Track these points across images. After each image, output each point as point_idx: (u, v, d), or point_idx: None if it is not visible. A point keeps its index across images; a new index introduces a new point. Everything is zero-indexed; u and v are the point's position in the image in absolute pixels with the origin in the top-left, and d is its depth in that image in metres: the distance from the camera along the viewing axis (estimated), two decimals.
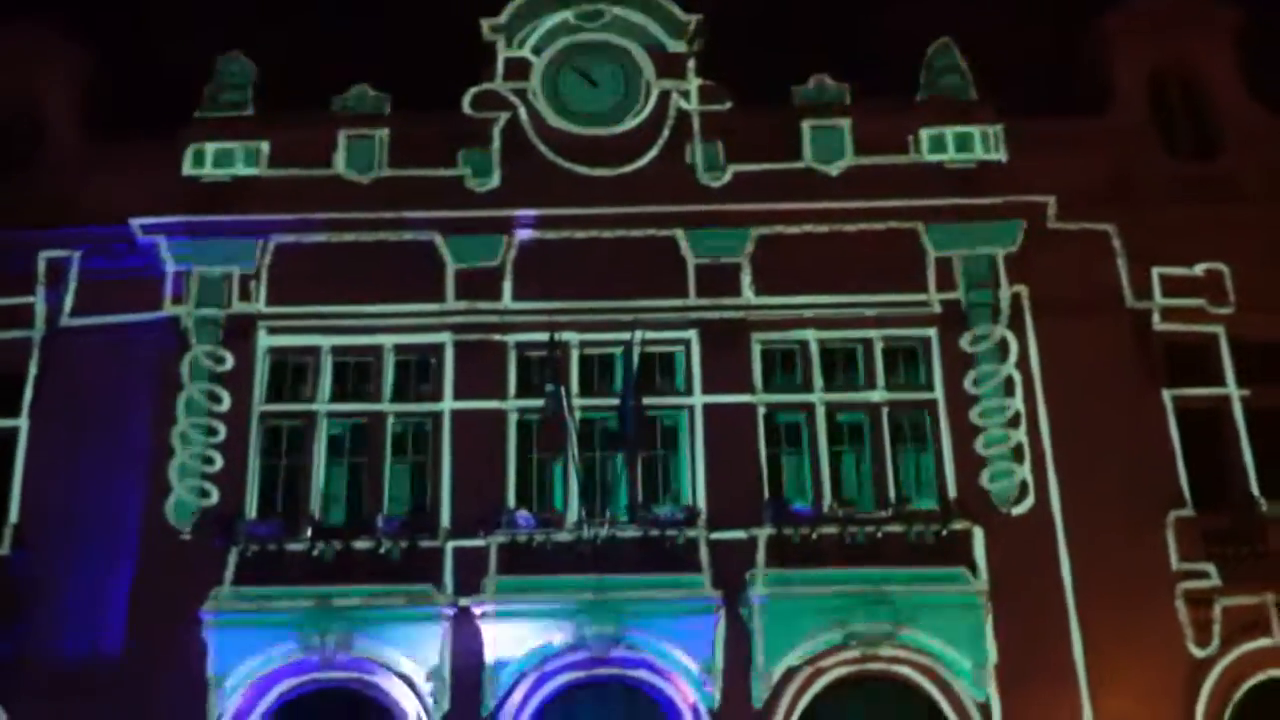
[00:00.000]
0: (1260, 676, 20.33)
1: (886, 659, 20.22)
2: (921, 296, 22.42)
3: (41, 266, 22.66)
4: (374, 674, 20.11)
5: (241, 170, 23.25)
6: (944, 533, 20.69)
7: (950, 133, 23.47)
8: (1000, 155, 23.28)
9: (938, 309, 22.35)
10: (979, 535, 20.76)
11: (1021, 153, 23.17)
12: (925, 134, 23.47)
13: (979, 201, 22.65)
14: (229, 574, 20.44)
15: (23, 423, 21.83)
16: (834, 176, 23.20)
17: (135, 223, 22.33)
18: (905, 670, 20.22)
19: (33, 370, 22.12)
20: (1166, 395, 21.96)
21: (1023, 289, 22.45)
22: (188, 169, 23.19)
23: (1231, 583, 20.51)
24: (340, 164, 23.31)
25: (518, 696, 20.00)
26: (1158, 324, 22.43)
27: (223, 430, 21.52)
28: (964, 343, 22.11)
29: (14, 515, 21.23)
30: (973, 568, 20.56)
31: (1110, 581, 20.43)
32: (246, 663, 19.91)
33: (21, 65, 24.10)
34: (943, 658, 20.09)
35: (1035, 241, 22.49)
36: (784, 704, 19.96)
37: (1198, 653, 20.33)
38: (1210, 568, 20.66)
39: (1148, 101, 24.08)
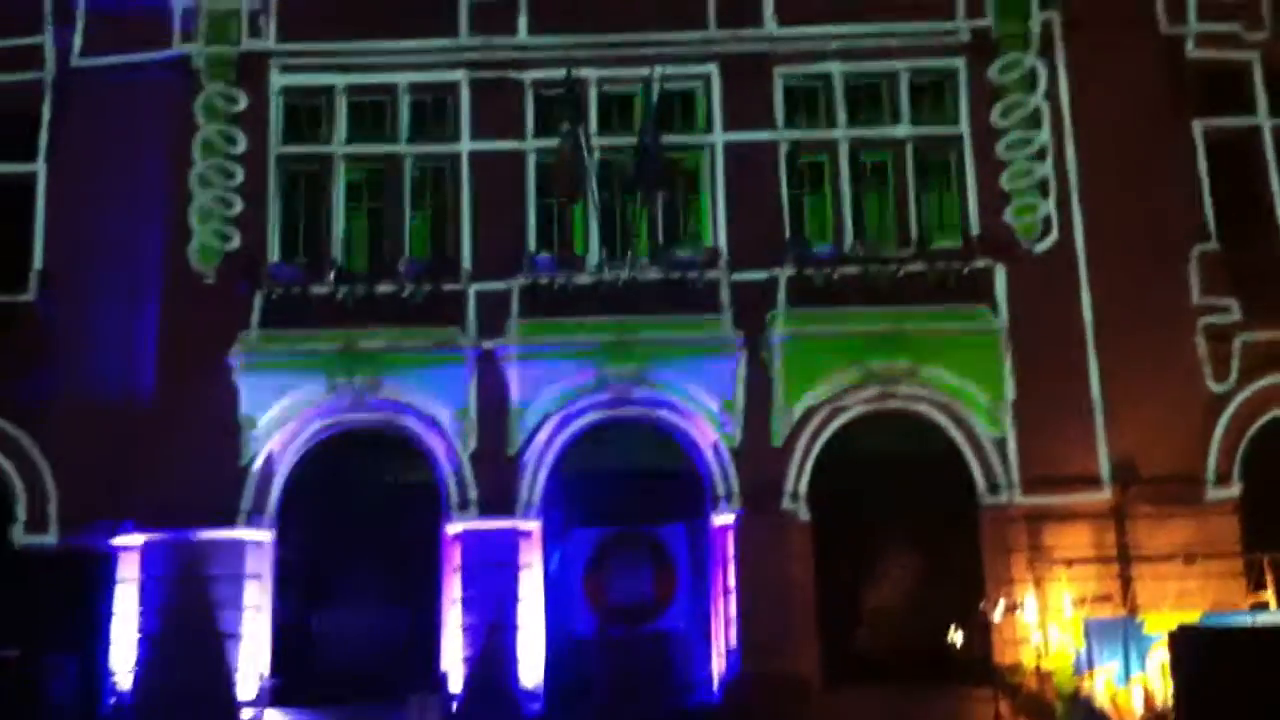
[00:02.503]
0: (1277, 411, 20.54)
1: (905, 397, 20.49)
2: (950, 25, 21.80)
3: (48, 3, 22.11)
4: (402, 415, 20.54)
5: None
6: (965, 271, 20.65)
7: None
8: None
9: (966, 37, 21.78)
10: (1000, 272, 20.73)
11: None
12: None
13: None
14: (255, 317, 20.62)
15: (40, 167, 21.69)
16: None
17: None
18: (923, 408, 20.53)
19: (46, 113, 21.85)
20: (1197, 125, 21.48)
21: (1054, 15, 21.80)
22: None
23: (1252, 318, 20.51)
24: None
25: (543, 436, 20.43)
26: (1191, 50, 21.79)
27: (240, 173, 21.38)
28: (992, 73, 21.58)
29: (38, 260, 21.31)
30: (993, 305, 20.60)
31: (1131, 317, 20.49)
32: (276, 404, 20.27)
33: None
34: (961, 395, 20.33)
35: None
36: (803, 442, 20.37)
37: (1215, 387, 20.51)
38: (1232, 302, 20.62)
39: None
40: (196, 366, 20.33)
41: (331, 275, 20.85)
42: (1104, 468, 20.28)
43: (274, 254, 21.24)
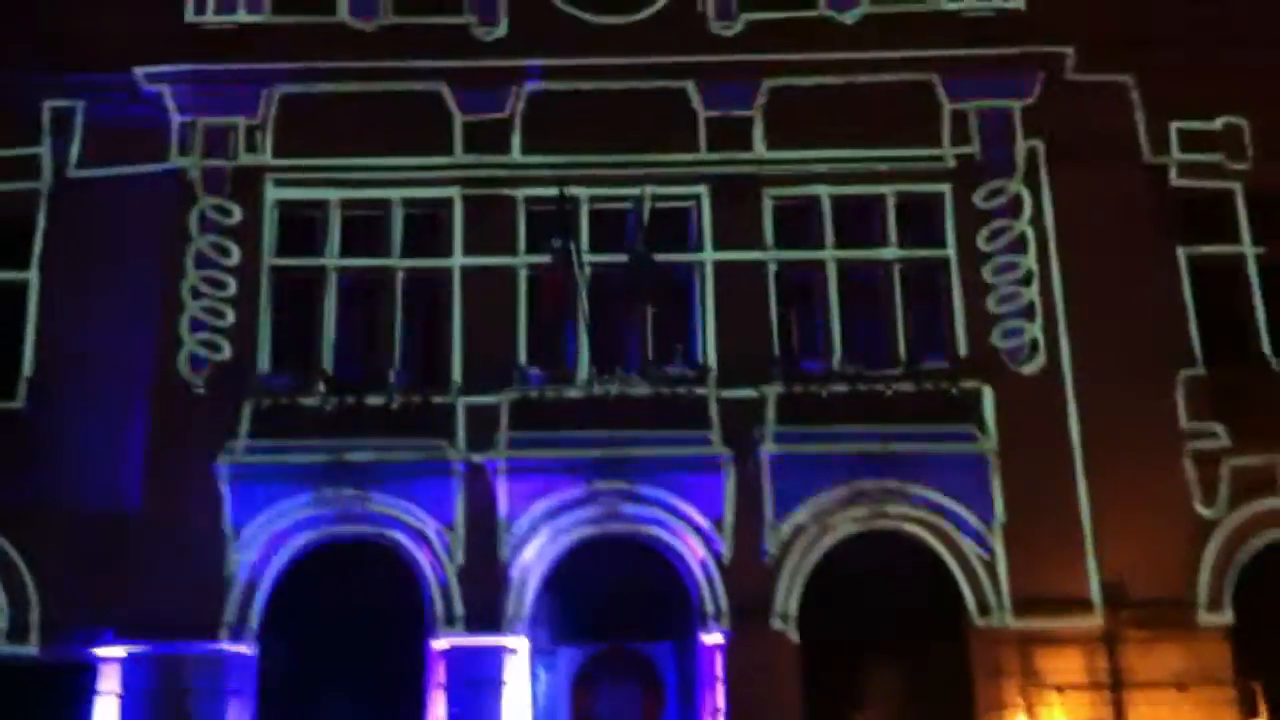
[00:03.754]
0: (1266, 537, 20.54)
1: (894, 516, 20.45)
2: (936, 151, 22.15)
3: (47, 116, 22.42)
4: (388, 528, 20.39)
5: (245, 16, 22.78)
6: (954, 391, 20.73)
7: None
8: (1019, 3, 22.75)
9: (952, 163, 22.11)
10: (989, 393, 20.80)
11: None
12: None
13: (997, 53, 22.21)
14: (243, 427, 20.55)
15: (33, 275, 21.77)
16: (849, 25, 22.71)
17: (139, 71, 22.00)
18: (913, 527, 20.48)
19: (41, 222, 22.00)
20: (1181, 252, 21.80)
21: (1038, 143, 22.18)
22: (190, 15, 22.74)
23: (1240, 442, 20.58)
24: (344, 11, 22.83)
25: (530, 551, 20.27)
26: (1174, 179, 22.19)
27: (233, 284, 21.46)
28: (978, 198, 21.92)
29: (28, 367, 21.31)
30: (982, 426, 20.64)
31: (1119, 440, 20.52)
32: (262, 515, 20.14)
33: None
34: (950, 515, 20.31)
35: (1052, 93, 22.14)
36: (792, 560, 20.24)
37: (1204, 512, 20.52)
38: (1219, 427, 20.72)
39: None
40: (183, 476, 20.21)
41: (321, 386, 20.85)
42: (1094, 591, 20.15)
43: (264, 364, 21.24)
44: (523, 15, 22.71)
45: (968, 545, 20.28)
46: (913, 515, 20.43)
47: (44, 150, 22.27)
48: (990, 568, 20.22)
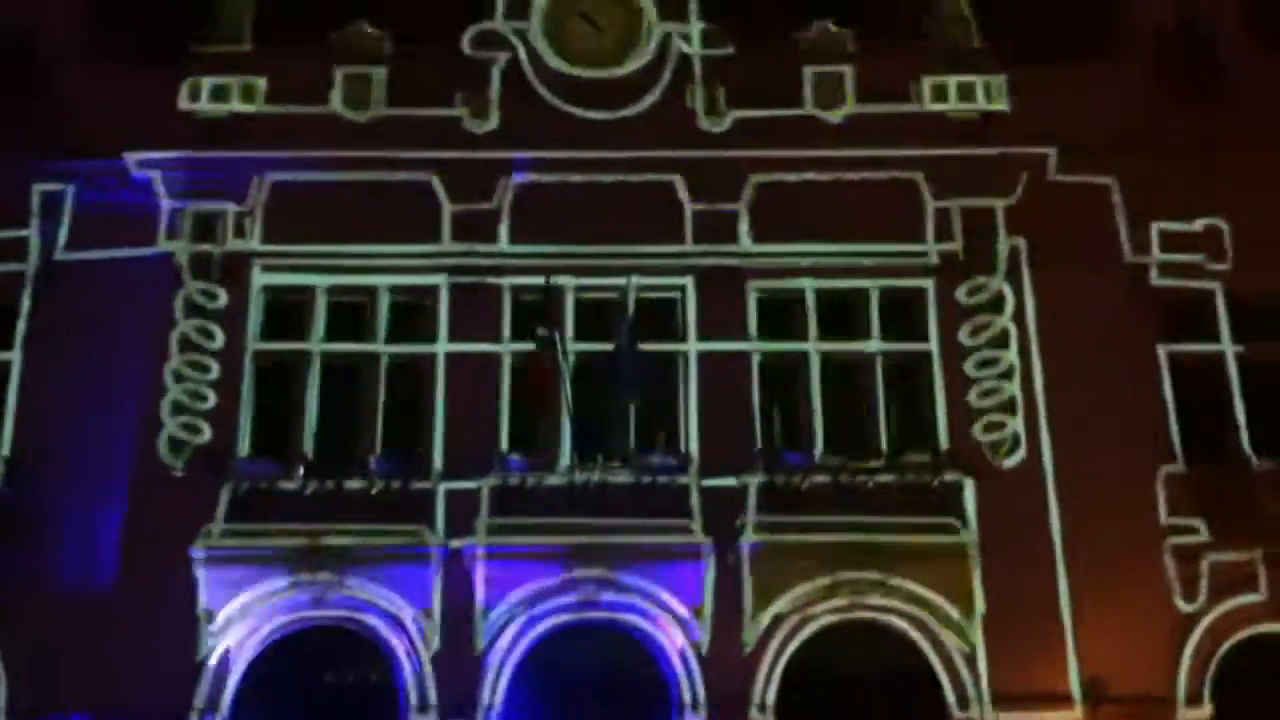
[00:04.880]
0: (1247, 632, 20.43)
1: (875, 608, 20.30)
2: (920, 247, 22.34)
3: (36, 200, 22.56)
4: (364, 613, 20.19)
5: (238, 106, 23.04)
6: (935, 484, 20.72)
7: (953, 81, 23.28)
8: (1003, 105, 23.09)
9: (935, 260, 22.29)
10: (970, 486, 20.78)
11: (1023, 102, 22.94)
12: (928, 82, 23.27)
13: (980, 152, 22.52)
14: (221, 511, 20.45)
15: (15, 356, 21.77)
16: (835, 124, 23.02)
17: (130, 157, 22.23)
18: (893, 619, 20.32)
19: (26, 304, 22.05)
20: (1161, 350, 21.94)
21: (1021, 241, 22.37)
22: (184, 103, 22.96)
23: (1220, 538, 20.57)
24: (337, 101, 23.11)
25: (507, 638, 20.08)
26: (1155, 279, 22.40)
27: (215, 368, 21.48)
28: (960, 294, 22.07)
29: (6, 448, 21.23)
30: (963, 519, 20.60)
31: (1099, 535, 20.44)
32: (237, 599, 19.95)
33: None
34: (931, 607, 20.17)
35: (1035, 193, 22.39)
36: (771, 650, 20.06)
37: (1185, 607, 20.42)
38: (1200, 523, 20.73)
39: (1152, 47, 23.82)
40: (159, 559, 20.02)
41: (300, 470, 20.77)
42: (1074, 686, 19.96)
43: (244, 448, 21.18)
44: (513, 108, 23.02)
45: (948, 638, 20.13)
46: (893, 607, 20.29)
47: (32, 232, 22.37)
48: (970, 661, 20.04)
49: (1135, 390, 21.56)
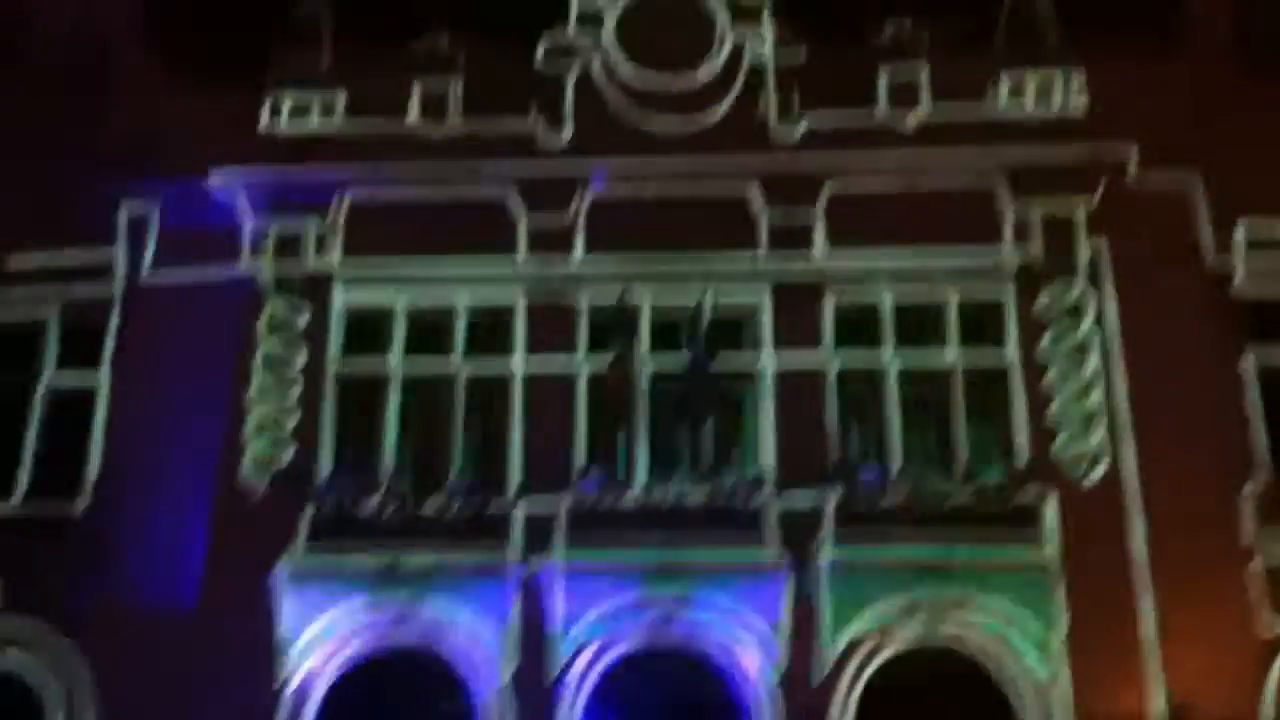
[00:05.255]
0: None
1: (953, 629, 20.10)
2: (998, 254, 22.01)
3: (122, 220, 22.93)
4: (443, 636, 20.36)
5: (318, 121, 23.28)
6: (1014, 501, 20.43)
7: (1031, 80, 22.87)
8: (1081, 103, 22.68)
9: (1014, 267, 21.95)
10: (1051, 504, 20.44)
11: (1102, 99, 22.51)
12: (1004, 82, 22.89)
13: (1059, 155, 22.10)
14: (302, 532, 20.69)
15: (103, 379, 22.21)
16: (910, 127, 22.73)
17: (214, 177, 22.49)
18: (972, 640, 20.09)
19: (113, 325, 22.47)
20: (1248, 358, 21.45)
21: (1102, 246, 21.97)
22: (265, 120, 23.28)
23: None
24: (414, 116, 23.24)
25: (584, 660, 20.15)
26: (1240, 282, 21.88)
27: (298, 388, 21.74)
28: (1041, 301, 21.71)
29: (94, 470, 21.66)
30: (1043, 538, 20.27)
31: (1183, 554, 20.03)
32: (317, 622, 20.21)
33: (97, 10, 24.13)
34: (1011, 629, 19.91)
35: (1116, 195, 21.97)
36: (849, 673, 19.93)
37: (1271, 630, 20.01)
38: None
39: (1232, 40, 23.33)
40: (240, 581, 20.32)
41: (379, 492, 20.99)
42: (1157, 709, 19.61)
43: (325, 469, 21.45)
44: (587, 121, 23.05)
45: (1028, 660, 19.86)
46: (972, 628, 20.06)
47: (118, 254, 22.76)
48: (1051, 684, 19.75)
49: (1221, 401, 21.08)
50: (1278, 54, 23.16)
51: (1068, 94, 22.79)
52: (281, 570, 20.40)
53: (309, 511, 20.85)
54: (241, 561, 20.48)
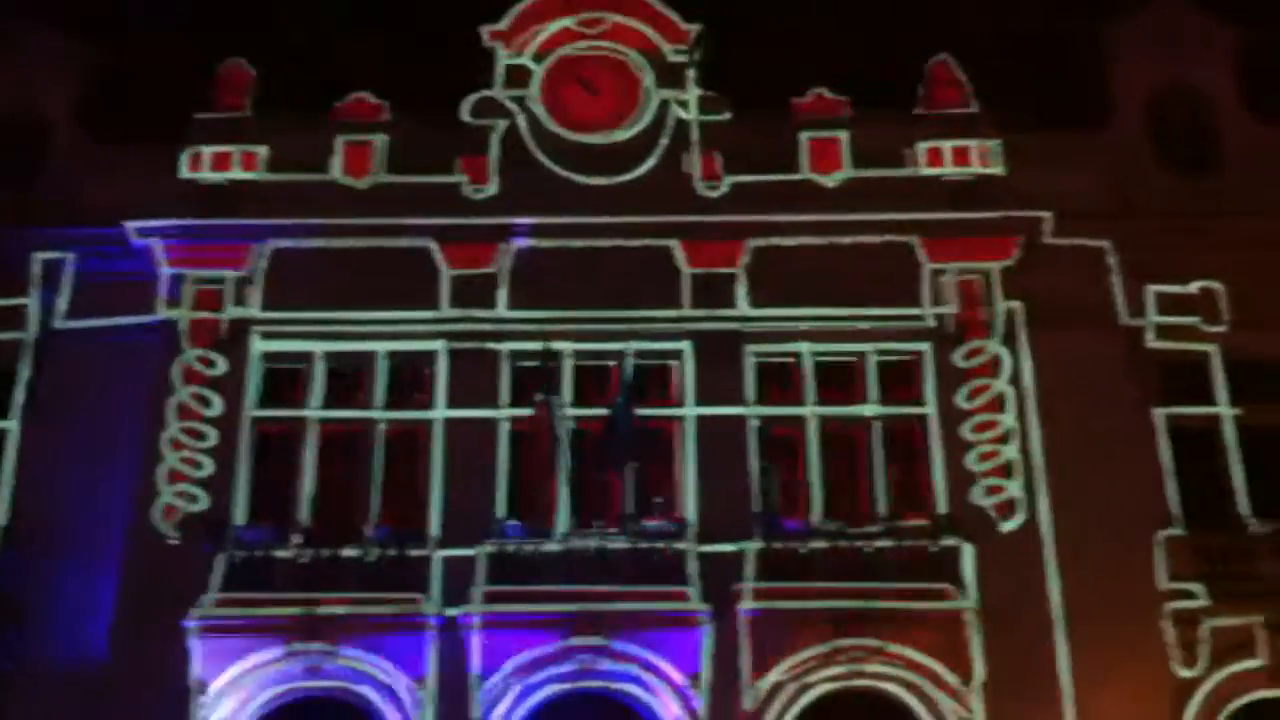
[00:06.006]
0: (1246, 698, 20.26)
1: (873, 675, 20.12)
2: (916, 310, 22.39)
3: (36, 268, 22.67)
4: (360, 683, 20.04)
5: (239, 174, 23.21)
6: (934, 549, 20.61)
7: (948, 146, 23.40)
8: (998, 169, 23.23)
9: (932, 323, 22.34)
10: (969, 551, 20.64)
11: (1019, 166, 23.10)
12: (922, 147, 23.44)
13: (976, 216, 22.63)
14: (216, 580, 20.34)
15: (13, 424, 21.82)
16: (831, 188, 23.12)
17: (131, 225, 22.34)
18: (892, 686, 20.12)
19: (24, 372, 22.14)
20: (1159, 413, 21.92)
21: (1017, 304, 22.42)
22: (185, 172, 23.20)
23: (1219, 603, 20.44)
24: (337, 169, 23.26)
25: (502, 708, 19.91)
26: (1151, 341, 22.42)
27: (213, 435, 21.51)
28: (957, 357, 22.06)
29: (3, 517, 21.21)
30: (962, 584, 20.44)
31: (1099, 600, 20.31)
32: (231, 670, 19.83)
33: (20, 64, 24.05)
34: (930, 674, 19.98)
35: (1031, 257, 22.46)
36: (770, 718, 19.85)
37: (1184, 673, 20.26)
38: (1199, 587, 20.60)
39: (1146, 116, 23.97)
40: (154, 629, 19.93)
41: (296, 539, 20.70)
42: None
43: (240, 516, 21.12)
44: (512, 175, 23.21)
45: (947, 705, 19.91)
46: (891, 674, 20.10)
47: (31, 301, 22.45)
48: None
49: (1133, 453, 21.52)
50: (1187, 145, 23.83)
51: (984, 159, 23.29)
52: (194, 618, 19.99)
53: (223, 560, 20.48)
54: (154, 611, 20.07)
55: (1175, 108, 24.13)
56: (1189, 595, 20.58)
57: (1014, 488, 21.21)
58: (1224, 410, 22.01)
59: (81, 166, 23.24)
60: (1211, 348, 22.30)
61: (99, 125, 24.06)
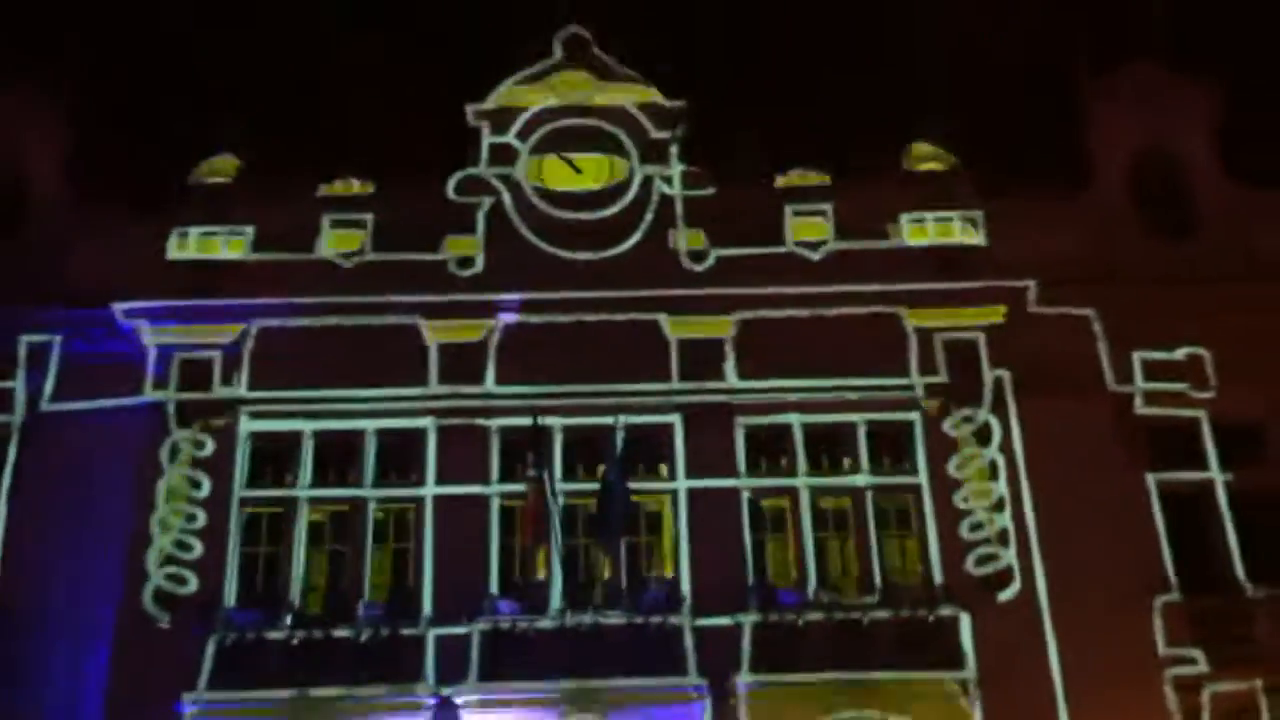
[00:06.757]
0: None
1: None
2: (904, 380, 22.43)
3: (23, 350, 22.53)
4: None
5: (226, 253, 23.23)
6: (931, 619, 20.51)
7: (931, 216, 23.60)
8: (981, 238, 23.42)
9: (921, 393, 22.33)
10: (965, 621, 20.55)
11: (1002, 234, 23.31)
12: (906, 218, 23.61)
13: (960, 286, 22.75)
14: (208, 663, 20.09)
15: (1, 507, 21.56)
16: (816, 260, 23.25)
17: (118, 307, 22.28)
18: None
19: (12, 454, 21.94)
20: (1150, 479, 21.99)
21: (1005, 372, 22.50)
22: (172, 251, 23.20)
23: (1219, 668, 20.42)
24: (324, 248, 23.27)
25: None
26: (1140, 407, 22.52)
27: (202, 516, 21.34)
28: (947, 426, 22.09)
29: None
30: (960, 654, 20.32)
31: (1098, 667, 20.24)
32: None
33: (6, 138, 23.98)
34: None
35: (1017, 325, 22.57)
36: None
37: None
38: (1198, 653, 20.58)
39: (1127, 180, 24.21)
40: (145, 712, 19.66)
41: (288, 620, 20.49)
42: None
43: (231, 598, 20.91)
44: (499, 250, 23.25)
45: None
46: None
47: (18, 383, 22.30)
48: None
49: (1126, 519, 21.55)
50: (1168, 196, 24.11)
51: (967, 228, 23.47)
52: (186, 703, 19.72)
53: (214, 643, 20.22)
54: (145, 693, 19.80)
55: (1155, 172, 24.35)
56: (1189, 661, 20.53)
57: (1008, 555, 21.14)
58: (1215, 475, 22.07)
59: (66, 245, 23.08)
60: (1200, 413, 22.37)
61: (85, 201, 23.92)
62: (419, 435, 22.11)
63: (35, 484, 21.67)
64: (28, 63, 24.39)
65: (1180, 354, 22.72)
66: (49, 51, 24.90)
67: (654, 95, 24.52)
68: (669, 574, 21.22)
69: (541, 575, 21.22)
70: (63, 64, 24.68)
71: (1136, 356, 22.71)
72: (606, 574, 21.00)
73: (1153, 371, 22.69)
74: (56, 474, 21.65)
